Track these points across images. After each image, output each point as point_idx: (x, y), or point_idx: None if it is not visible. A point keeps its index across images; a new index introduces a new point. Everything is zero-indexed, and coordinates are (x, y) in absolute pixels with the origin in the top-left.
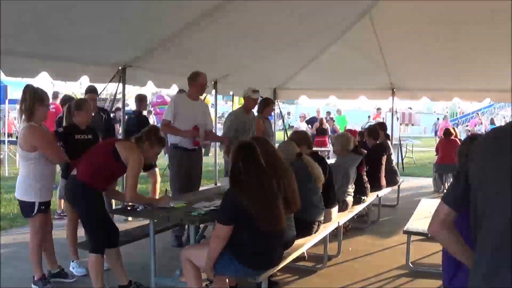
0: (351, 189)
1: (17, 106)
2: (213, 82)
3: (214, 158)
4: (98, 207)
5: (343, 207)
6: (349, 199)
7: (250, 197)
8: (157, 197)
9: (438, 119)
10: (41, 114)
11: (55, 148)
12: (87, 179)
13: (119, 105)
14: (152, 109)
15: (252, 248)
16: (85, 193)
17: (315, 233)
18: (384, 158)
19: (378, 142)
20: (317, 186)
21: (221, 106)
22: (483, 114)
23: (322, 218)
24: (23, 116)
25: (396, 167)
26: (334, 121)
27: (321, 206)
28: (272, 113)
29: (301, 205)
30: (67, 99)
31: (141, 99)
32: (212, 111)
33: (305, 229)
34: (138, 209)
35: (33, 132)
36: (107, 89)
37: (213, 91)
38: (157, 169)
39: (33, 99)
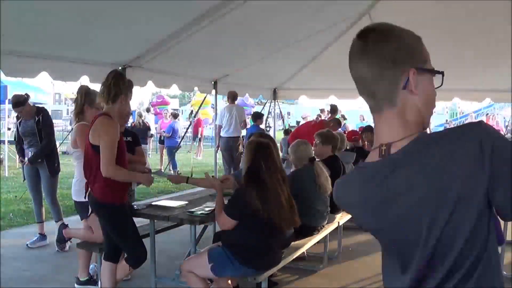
0: None
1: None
2: (213, 82)
3: (214, 159)
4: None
5: None
6: None
7: (268, 198)
8: None
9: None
10: (91, 115)
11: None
12: (100, 196)
13: None
14: (152, 109)
15: (254, 248)
16: (104, 212)
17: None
18: None
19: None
20: (322, 194)
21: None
22: (482, 114)
23: (326, 222)
24: (74, 117)
25: None
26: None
27: (326, 213)
28: (272, 113)
29: (306, 211)
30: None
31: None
32: (212, 111)
33: (309, 234)
34: (136, 208)
35: (79, 129)
36: None
37: (213, 91)
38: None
39: (84, 101)
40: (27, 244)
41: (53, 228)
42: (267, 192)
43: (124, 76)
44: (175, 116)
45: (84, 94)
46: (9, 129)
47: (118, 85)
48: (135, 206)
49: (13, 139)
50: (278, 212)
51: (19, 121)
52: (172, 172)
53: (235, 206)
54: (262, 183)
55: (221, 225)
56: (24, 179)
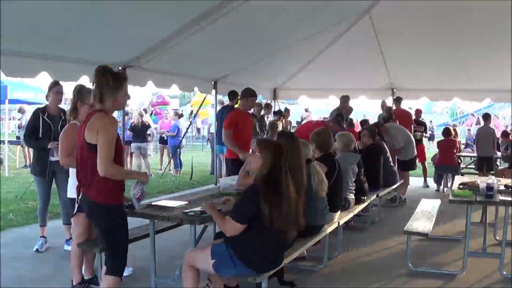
0: (352, 187)
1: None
2: (213, 82)
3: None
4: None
5: (345, 206)
6: (351, 197)
7: (278, 203)
8: None
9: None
10: (83, 113)
11: (64, 150)
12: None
13: None
14: (152, 109)
15: (257, 251)
16: (103, 214)
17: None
18: (381, 158)
19: (373, 142)
20: (319, 193)
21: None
22: (481, 114)
23: (326, 221)
24: (69, 115)
25: (394, 167)
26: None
27: (326, 211)
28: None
29: (305, 210)
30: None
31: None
32: (212, 111)
33: (309, 233)
34: (135, 208)
35: (66, 128)
36: None
37: (213, 91)
38: None
39: (77, 98)
40: (37, 249)
41: (52, 228)
42: (279, 196)
43: (102, 77)
44: (179, 116)
45: (77, 92)
46: (19, 127)
47: (98, 87)
48: (133, 206)
49: (15, 138)
50: (285, 217)
51: (45, 115)
52: (173, 171)
53: (245, 208)
54: (276, 185)
55: (228, 232)
56: (36, 175)
